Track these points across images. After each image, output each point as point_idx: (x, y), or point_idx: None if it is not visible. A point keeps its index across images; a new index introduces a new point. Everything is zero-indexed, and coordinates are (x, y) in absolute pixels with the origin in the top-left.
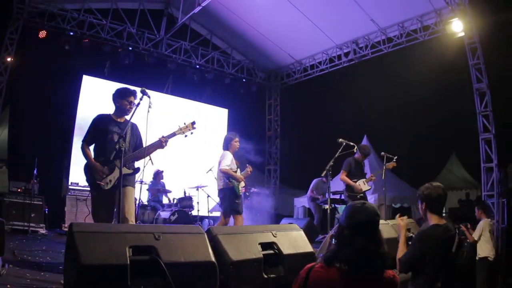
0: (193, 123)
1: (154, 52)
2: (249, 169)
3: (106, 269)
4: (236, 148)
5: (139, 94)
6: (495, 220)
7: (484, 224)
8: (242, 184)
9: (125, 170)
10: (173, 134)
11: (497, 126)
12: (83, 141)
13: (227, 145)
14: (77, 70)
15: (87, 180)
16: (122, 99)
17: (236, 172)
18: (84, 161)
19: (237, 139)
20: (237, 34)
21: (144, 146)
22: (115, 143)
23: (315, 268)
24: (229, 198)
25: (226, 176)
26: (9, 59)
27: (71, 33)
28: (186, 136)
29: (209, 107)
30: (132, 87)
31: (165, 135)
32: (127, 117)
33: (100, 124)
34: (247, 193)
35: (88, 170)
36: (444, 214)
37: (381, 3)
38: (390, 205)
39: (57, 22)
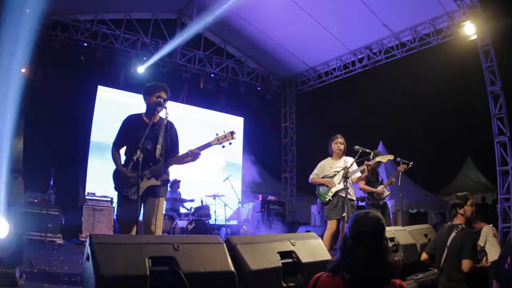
0: (232, 132)
1: (169, 61)
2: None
3: (125, 280)
4: (338, 150)
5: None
6: None
7: (486, 230)
8: (335, 188)
9: (153, 182)
10: (208, 145)
11: None
12: (113, 144)
13: (329, 150)
14: (92, 81)
15: (115, 188)
16: (151, 96)
17: (333, 177)
18: (99, 169)
19: (337, 140)
20: (251, 42)
21: (178, 147)
22: (145, 150)
23: (321, 277)
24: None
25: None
26: (23, 70)
27: (85, 44)
28: (224, 147)
29: (225, 116)
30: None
31: (198, 146)
32: (162, 115)
33: (130, 127)
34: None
35: (116, 177)
36: None
37: (393, 8)
38: (406, 210)
39: (70, 33)
